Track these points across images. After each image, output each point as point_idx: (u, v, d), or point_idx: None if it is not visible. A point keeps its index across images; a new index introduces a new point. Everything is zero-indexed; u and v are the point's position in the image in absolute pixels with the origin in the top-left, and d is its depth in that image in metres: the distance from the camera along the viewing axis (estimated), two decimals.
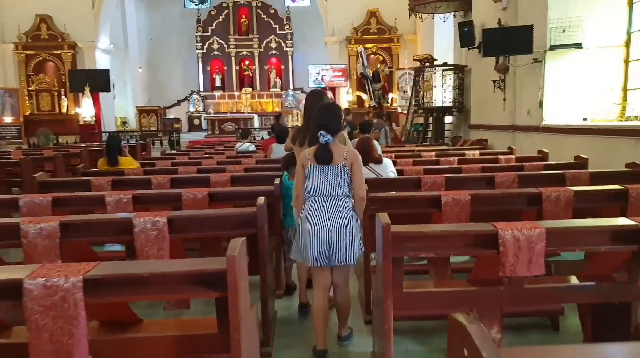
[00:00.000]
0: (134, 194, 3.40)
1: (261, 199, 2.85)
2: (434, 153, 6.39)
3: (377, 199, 3.17)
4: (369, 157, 3.98)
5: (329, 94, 15.95)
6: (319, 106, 3.06)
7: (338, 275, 2.93)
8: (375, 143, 6.94)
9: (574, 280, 2.38)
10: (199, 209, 3.38)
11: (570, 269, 2.95)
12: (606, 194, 3.19)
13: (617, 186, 3.19)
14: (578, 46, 6.36)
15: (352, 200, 2.85)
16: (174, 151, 9.03)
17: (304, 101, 3.65)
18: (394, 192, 3.73)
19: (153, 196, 3.65)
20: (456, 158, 5.57)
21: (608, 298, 2.34)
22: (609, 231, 2.19)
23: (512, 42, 6.56)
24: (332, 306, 3.11)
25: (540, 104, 6.73)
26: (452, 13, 11.12)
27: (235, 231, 2.72)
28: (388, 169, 4.03)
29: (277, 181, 3.81)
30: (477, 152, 6.46)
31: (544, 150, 5.48)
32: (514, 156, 5.57)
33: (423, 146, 8.75)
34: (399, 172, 4.44)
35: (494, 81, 8.14)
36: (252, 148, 8.05)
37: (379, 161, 4.01)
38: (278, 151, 6.27)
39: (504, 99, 8.05)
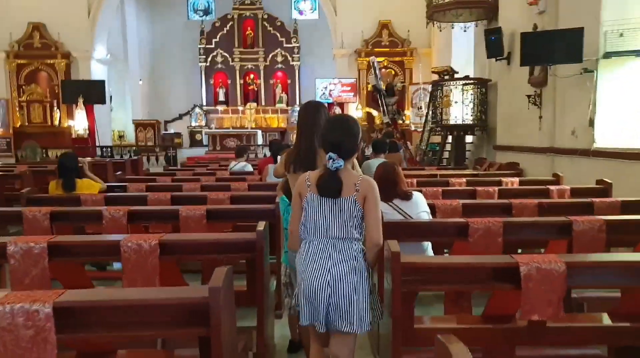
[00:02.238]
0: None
1: (261, 225, 2.49)
2: (464, 180, 5.29)
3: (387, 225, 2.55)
4: (394, 190, 2.91)
5: (337, 110, 14.98)
6: (330, 118, 2.44)
7: (338, 345, 2.20)
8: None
9: (605, 318, 2.19)
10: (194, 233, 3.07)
11: (602, 306, 2.57)
12: None
13: None
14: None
15: (364, 246, 2.20)
16: (159, 171, 8.01)
17: (296, 116, 2.92)
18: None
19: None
20: (495, 189, 4.47)
21: None
22: None
23: (557, 49, 5.51)
24: None
25: (591, 123, 5.64)
26: (474, 22, 10.11)
27: (234, 255, 2.55)
28: (420, 208, 2.95)
29: (278, 198, 3.26)
30: (515, 179, 5.36)
31: (606, 180, 4.39)
32: (567, 187, 4.45)
33: (444, 169, 7.65)
34: (430, 207, 3.35)
35: (529, 96, 7.07)
36: (249, 167, 7.00)
37: (407, 196, 2.93)
38: (274, 173, 5.21)
39: (540, 117, 6.97)
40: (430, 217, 2.99)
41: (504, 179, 5.30)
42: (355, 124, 2.25)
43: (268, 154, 11.68)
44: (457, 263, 2.01)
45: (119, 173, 5.99)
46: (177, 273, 2.44)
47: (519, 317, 2.00)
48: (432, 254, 2.92)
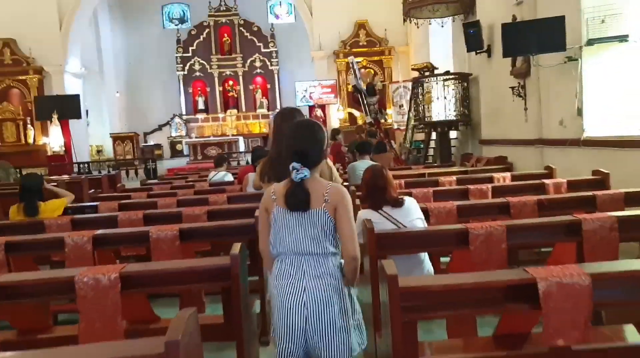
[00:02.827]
0: None
1: (236, 247, 2.20)
2: (454, 178, 5.10)
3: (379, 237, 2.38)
4: (384, 197, 2.68)
5: (318, 112, 14.76)
6: (293, 125, 2.21)
7: None
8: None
9: (631, 331, 1.96)
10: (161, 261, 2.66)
11: (624, 315, 2.21)
12: None
13: None
14: (623, 38, 5.15)
15: (341, 260, 2.03)
16: (137, 186, 7.68)
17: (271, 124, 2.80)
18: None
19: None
20: (488, 186, 4.27)
21: None
22: None
23: (538, 39, 5.34)
24: None
25: (579, 112, 5.48)
26: (451, 17, 9.97)
27: (207, 284, 2.26)
28: (413, 214, 2.71)
29: (257, 212, 2.81)
30: (506, 175, 5.18)
31: (602, 170, 4.22)
32: (564, 181, 4.27)
33: (432, 168, 7.47)
34: (422, 212, 3.12)
35: (512, 88, 6.91)
36: (229, 177, 6.73)
37: (398, 202, 2.70)
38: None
39: (526, 109, 6.82)
40: (425, 224, 2.76)
41: (495, 175, 5.13)
42: (320, 129, 2.10)
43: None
44: (464, 284, 1.74)
45: (91, 191, 5.68)
46: (145, 306, 2.15)
47: (541, 341, 1.73)
48: (430, 265, 2.69)
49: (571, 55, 5.45)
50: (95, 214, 4.13)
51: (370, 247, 2.40)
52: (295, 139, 2.05)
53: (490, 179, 5.09)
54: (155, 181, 8.48)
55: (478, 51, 8.06)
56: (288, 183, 2.00)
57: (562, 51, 5.35)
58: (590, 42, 5.31)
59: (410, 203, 2.72)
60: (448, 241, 2.49)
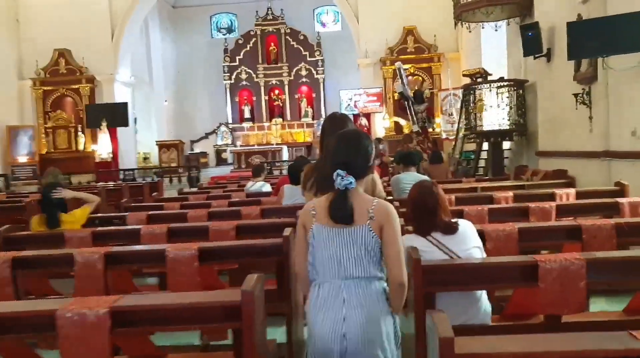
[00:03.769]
0: None
1: (251, 280, 1.75)
2: (510, 194, 4.57)
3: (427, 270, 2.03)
4: (433, 221, 2.25)
5: (363, 121, 14.34)
6: (337, 135, 2.03)
7: None
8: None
9: None
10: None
11: None
12: None
13: None
14: None
15: (387, 286, 1.87)
16: (173, 195, 7.53)
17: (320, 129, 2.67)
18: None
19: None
20: (552, 204, 3.73)
21: None
22: None
23: (610, 38, 4.74)
24: None
25: None
26: (506, 20, 9.35)
27: (214, 325, 1.83)
28: (469, 242, 2.25)
29: (287, 231, 2.76)
30: (570, 191, 4.60)
31: None
32: None
33: (484, 181, 6.90)
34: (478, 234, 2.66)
35: (576, 95, 6.26)
36: (267, 187, 6.44)
37: (451, 228, 2.25)
38: (291, 194, 4.63)
39: (591, 118, 6.16)
40: (484, 254, 2.30)
41: (558, 192, 4.55)
42: (366, 140, 1.95)
43: None
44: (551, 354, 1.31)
45: (124, 200, 5.54)
46: (146, 343, 1.83)
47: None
48: (488, 303, 2.22)
49: None
50: (118, 227, 3.91)
51: (416, 281, 1.98)
52: (339, 150, 1.90)
53: (551, 196, 4.52)
54: (195, 189, 8.34)
55: (536, 56, 7.43)
56: (330, 195, 1.86)
57: (638, 52, 4.72)
58: None
59: (466, 227, 2.28)
60: (512, 276, 2.03)
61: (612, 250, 2.81)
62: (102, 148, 14.60)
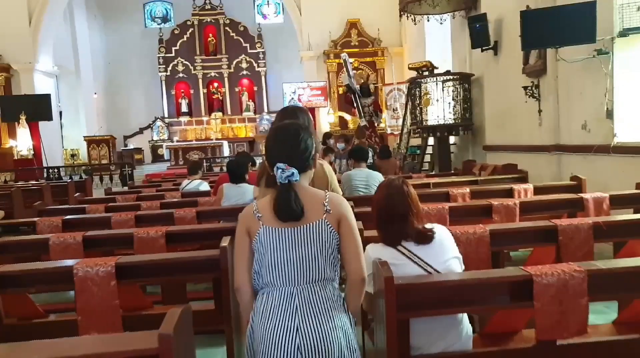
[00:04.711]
0: None
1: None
2: (467, 190, 4.31)
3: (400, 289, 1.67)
4: (405, 227, 1.84)
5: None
6: (273, 128, 1.90)
7: None
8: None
9: None
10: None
11: None
12: None
13: None
14: None
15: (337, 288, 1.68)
16: (113, 192, 6.76)
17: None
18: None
19: None
20: (515, 202, 3.48)
21: None
22: None
23: (565, 29, 4.59)
24: None
25: (609, 114, 4.73)
26: (452, 13, 9.25)
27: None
28: (447, 252, 1.86)
29: (225, 241, 2.31)
30: (528, 187, 4.40)
31: None
32: (605, 195, 3.49)
33: (435, 177, 6.70)
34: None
35: (525, 88, 6.16)
36: (205, 186, 5.87)
37: (425, 236, 1.85)
38: (230, 194, 4.13)
39: (540, 111, 6.08)
40: (462, 265, 1.93)
41: (515, 187, 4.33)
42: (304, 130, 1.76)
43: None
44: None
45: (37, 203, 4.80)
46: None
47: None
48: (469, 325, 1.84)
49: (601, 48, 4.70)
50: (23, 237, 3.24)
51: (388, 306, 1.57)
52: (276, 143, 1.74)
53: (509, 193, 4.31)
54: (125, 189, 7.59)
55: (484, 48, 7.31)
56: (274, 193, 1.69)
57: (592, 43, 4.61)
58: (624, 32, 4.57)
59: (443, 235, 1.90)
60: (502, 295, 1.67)
61: (589, 252, 2.55)
62: (21, 143, 13.27)
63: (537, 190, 4.36)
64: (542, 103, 6.01)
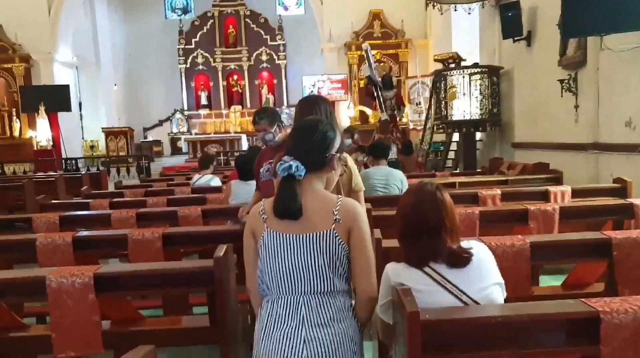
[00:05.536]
0: None
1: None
2: (497, 191, 3.92)
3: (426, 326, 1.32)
4: (436, 245, 1.49)
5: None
6: (297, 124, 1.85)
7: None
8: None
9: None
10: None
11: None
12: None
13: None
14: None
15: (353, 301, 1.58)
16: (122, 186, 6.54)
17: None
18: None
19: None
20: (555, 207, 3.09)
21: None
22: None
23: (611, 15, 4.14)
24: None
25: None
26: (480, 2, 8.75)
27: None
28: (487, 277, 1.49)
29: (220, 249, 2.00)
30: (565, 189, 3.98)
31: None
32: None
33: (460, 175, 6.30)
34: None
35: (561, 81, 5.70)
36: (216, 181, 5.58)
37: (460, 258, 1.48)
38: (240, 192, 3.82)
39: (577, 107, 5.61)
40: (505, 292, 1.57)
41: (551, 189, 3.92)
42: (324, 125, 1.65)
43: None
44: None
45: (41, 196, 4.58)
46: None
47: None
48: None
49: None
50: (9, 237, 2.99)
51: (411, 345, 1.24)
52: (293, 139, 1.66)
53: (545, 195, 3.91)
54: (137, 182, 7.39)
55: (516, 39, 6.84)
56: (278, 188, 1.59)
57: None
58: None
59: (482, 255, 1.55)
60: (557, 332, 1.32)
61: None
62: (41, 134, 13.26)
63: (576, 193, 3.95)
64: (580, 98, 5.55)
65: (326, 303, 1.52)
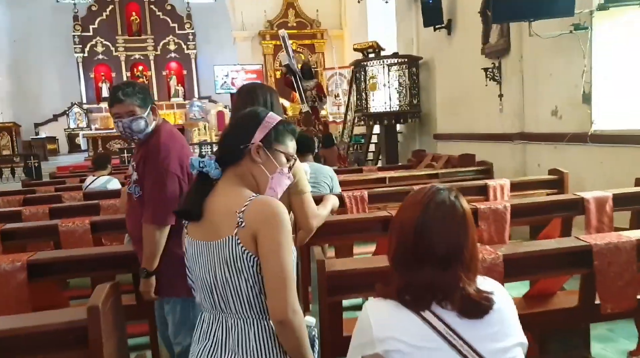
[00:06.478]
0: None
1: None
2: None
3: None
4: (451, 282, 1.00)
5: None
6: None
7: None
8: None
9: None
10: None
11: None
12: None
13: None
14: None
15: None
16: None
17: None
18: None
19: None
20: (506, 205, 2.78)
21: None
22: None
23: (538, 1, 3.97)
24: None
25: (586, 99, 4.18)
26: None
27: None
28: (509, 336, 1.00)
29: (95, 297, 1.42)
30: (503, 182, 3.74)
31: None
32: (609, 194, 2.86)
33: (387, 169, 6.00)
34: None
35: (486, 70, 5.56)
36: (114, 184, 4.78)
37: (477, 306, 0.97)
38: None
39: (501, 95, 5.50)
40: (525, 349, 1.12)
41: (490, 183, 3.66)
42: (248, 115, 1.38)
43: None
44: None
45: None
46: None
47: None
48: None
49: (578, 22, 4.13)
50: None
51: None
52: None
53: (484, 190, 3.65)
54: (19, 187, 6.29)
55: (436, 27, 6.66)
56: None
57: (570, 16, 4.00)
58: (604, 5, 4.02)
59: (503, 302, 1.08)
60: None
61: (633, 281, 1.85)
62: None
63: (514, 186, 3.73)
64: (504, 86, 5.44)
65: (242, 327, 1.25)
